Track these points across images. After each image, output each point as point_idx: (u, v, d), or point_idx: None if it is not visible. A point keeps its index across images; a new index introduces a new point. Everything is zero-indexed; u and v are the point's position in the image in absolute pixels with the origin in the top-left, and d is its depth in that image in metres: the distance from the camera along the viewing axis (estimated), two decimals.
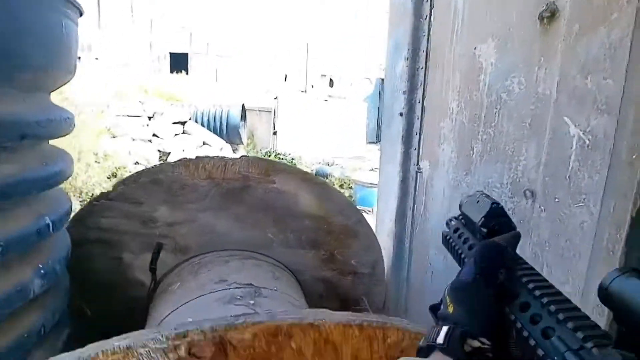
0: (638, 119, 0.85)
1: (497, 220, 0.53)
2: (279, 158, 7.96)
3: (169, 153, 6.10)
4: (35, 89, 0.99)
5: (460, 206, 0.58)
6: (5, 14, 0.81)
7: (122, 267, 1.55)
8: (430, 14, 1.58)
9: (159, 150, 6.12)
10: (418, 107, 1.67)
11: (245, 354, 0.65)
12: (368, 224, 1.71)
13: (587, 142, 0.93)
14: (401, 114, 1.73)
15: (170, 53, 17.04)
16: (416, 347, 0.47)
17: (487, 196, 0.55)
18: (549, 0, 1.05)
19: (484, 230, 0.52)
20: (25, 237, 0.96)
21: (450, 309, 0.47)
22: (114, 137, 6.11)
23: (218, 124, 7.42)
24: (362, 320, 0.72)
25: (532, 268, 0.47)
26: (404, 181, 1.77)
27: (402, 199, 1.79)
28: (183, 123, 7.03)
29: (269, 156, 8.06)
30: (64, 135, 1.11)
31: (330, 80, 23.61)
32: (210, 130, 7.29)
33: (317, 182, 1.59)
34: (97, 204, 1.44)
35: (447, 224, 0.61)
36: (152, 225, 1.51)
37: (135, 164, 5.62)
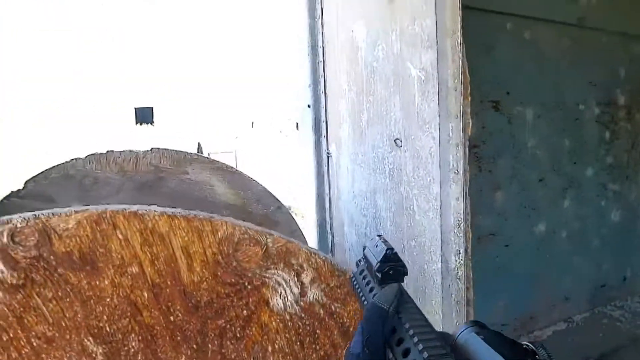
0: (453, 49, 0.99)
1: (390, 265, 0.56)
2: None
3: None
4: None
5: (363, 249, 0.62)
6: None
7: None
8: (321, 5, 1.76)
9: None
10: (322, 97, 1.81)
11: (72, 244, 0.68)
12: (288, 212, 1.77)
13: (422, 77, 1.06)
14: (309, 106, 1.86)
15: (135, 108, 17.28)
16: (252, 243, 0.47)
17: (385, 242, 0.59)
18: None
19: (379, 275, 0.56)
20: None
21: None
22: None
23: None
24: (188, 213, 0.77)
25: (414, 309, 0.49)
26: (318, 168, 1.86)
27: (319, 187, 1.87)
28: None
29: None
30: None
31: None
32: None
33: (230, 170, 1.66)
34: (7, 202, 1.45)
35: (356, 264, 0.64)
36: None
37: None
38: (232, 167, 1.66)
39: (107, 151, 1.51)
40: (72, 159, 1.49)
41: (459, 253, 1.02)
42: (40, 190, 1.47)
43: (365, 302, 0.57)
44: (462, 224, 1.01)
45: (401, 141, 1.22)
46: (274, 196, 1.81)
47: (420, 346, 0.39)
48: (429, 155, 1.06)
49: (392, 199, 1.30)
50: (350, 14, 1.52)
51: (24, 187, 1.46)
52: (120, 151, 1.52)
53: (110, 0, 1.71)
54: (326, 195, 1.85)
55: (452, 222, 1.02)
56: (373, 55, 1.37)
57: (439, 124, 1.02)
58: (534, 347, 0.32)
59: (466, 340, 0.39)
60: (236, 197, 1.69)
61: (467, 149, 1.01)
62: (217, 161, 1.64)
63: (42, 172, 1.51)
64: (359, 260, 0.63)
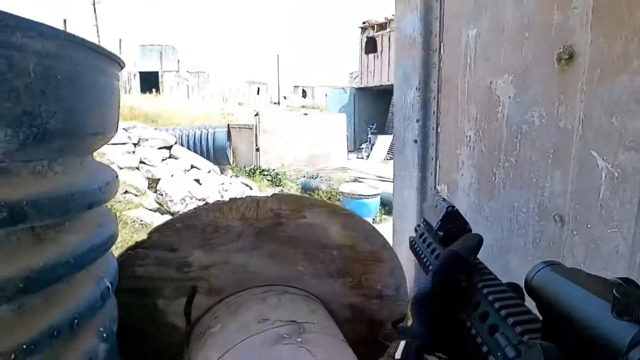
0: None
1: (453, 223, 0.52)
2: (263, 174, 7.95)
3: (159, 179, 5.98)
4: (88, 153, 1.00)
5: (422, 212, 0.60)
6: (68, 86, 0.83)
7: (157, 314, 1.54)
8: (440, 47, 1.67)
9: (148, 178, 6.00)
10: (432, 134, 1.76)
11: None
12: (391, 248, 1.78)
13: (616, 174, 1.03)
14: (415, 141, 1.81)
15: (140, 72, 16.74)
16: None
17: (444, 200, 0.55)
18: (565, 43, 1.15)
19: (440, 233, 0.53)
20: (93, 304, 0.97)
21: (410, 322, 0.47)
22: None
23: (205, 146, 7.35)
24: None
25: (490, 272, 0.47)
26: (422, 205, 1.84)
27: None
28: (169, 147, 6.91)
29: (254, 173, 8.03)
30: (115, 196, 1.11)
31: (303, 91, 23.77)
32: (197, 152, 7.21)
33: (344, 213, 1.64)
34: (132, 253, 1.44)
35: (415, 229, 0.61)
36: (187, 269, 1.51)
37: (125, 193, 5.49)
38: (346, 210, 1.64)
39: (230, 199, 1.48)
40: (195, 209, 1.46)
41: None
42: (164, 240, 1.45)
43: (430, 266, 0.55)
44: None
45: (562, 219, 1.20)
46: (380, 235, 1.81)
47: (511, 320, 0.37)
48: (614, 252, 1.05)
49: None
50: (489, 61, 1.44)
51: (148, 238, 1.44)
52: (243, 198, 1.48)
53: None
54: None
55: None
56: (523, 118, 1.32)
57: (632, 227, 1.00)
58: (620, 281, 0.29)
59: (544, 280, 0.35)
60: (347, 237, 1.68)
61: None
62: (333, 204, 1.62)
63: (165, 223, 1.48)
64: (418, 225, 0.60)
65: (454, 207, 0.53)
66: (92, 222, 0.99)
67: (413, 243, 0.60)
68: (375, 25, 18.78)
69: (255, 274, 1.61)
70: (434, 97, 1.73)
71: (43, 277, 0.80)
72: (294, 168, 8.93)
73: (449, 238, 0.51)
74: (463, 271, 0.45)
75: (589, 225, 1.12)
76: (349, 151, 11.36)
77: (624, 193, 1.02)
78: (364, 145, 16.88)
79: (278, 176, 8.13)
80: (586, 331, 0.29)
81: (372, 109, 19.14)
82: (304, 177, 8.61)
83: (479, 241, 0.47)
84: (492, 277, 0.45)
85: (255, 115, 8.85)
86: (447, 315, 0.44)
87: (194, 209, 1.45)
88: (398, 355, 0.44)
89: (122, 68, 1.13)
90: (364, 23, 19.22)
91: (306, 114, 9.51)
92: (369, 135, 17.37)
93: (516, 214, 1.38)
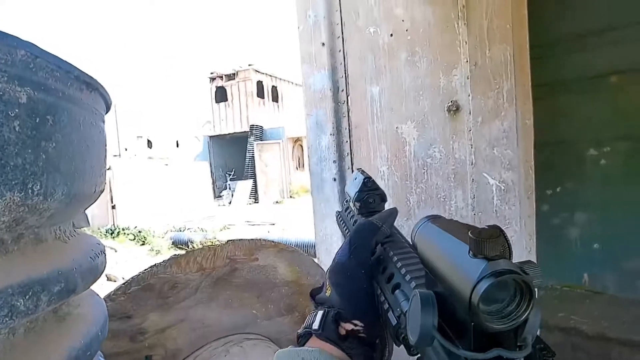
0: (527, 172, 1.44)
1: (370, 193, 0.54)
2: (125, 233, 7.08)
3: None
4: (82, 214, 0.91)
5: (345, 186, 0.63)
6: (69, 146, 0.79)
7: None
8: (347, 100, 2.02)
9: None
10: (348, 172, 2.06)
11: None
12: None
13: (503, 187, 1.48)
14: (334, 179, 2.08)
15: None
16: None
17: (363, 172, 0.56)
18: (452, 99, 1.61)
19: (358, 204, 0.54)
20: None
21: (328, 292, 0.47)
22: None
23: None
24: None
25: (401, 240, 0.48)
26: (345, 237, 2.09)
27: None
28: None
29: (112, 233, 7.07)
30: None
31: (148, 141, 22.19)
32: None
33: (289, 250, 1.75)
34: None
35: (342, 204, 0.63)
36: (141, 338, 1.37)
37: None
38: (291, 247, 1.77)
39: (187, 251, 1.44)
40: (153, 266, 1.37)
41: None
42: (117, 308, 1.31)
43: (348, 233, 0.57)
44: None
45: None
46: (318, 266, 1.97)
47: (408, 277, 0.39)
48: (511, 241, 1.49)
49: None
50: (393, 110, 1.84)
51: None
52: (200, 249, 1.47)
53: None
54: None
55: None
56: (427, 153, 1.73)
57: (519, 221, 1.45)
58: (486, 227, 0.29)
59: (423, 231, 0.37)
60: (292, 273, 1.79)
61: (534, 237, 1.47)
62: (279, 244, 1.72)
63: (119, 287, 1.33)
64: (345, 201, 0.61)
65: (370, 178, 0.54)
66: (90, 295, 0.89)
67: (338, 216, 0.61)
68: (224, 76, 19.32)
69: (212, 327, 1.56)
70: (347, 141, 2.05)
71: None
72: (158, 222, 8.21)
73: (367, 207, 0.53)
74: (374, 237, 0.46)
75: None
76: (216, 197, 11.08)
77: (510, 200, 1.47)
78: (224, 192, 16.67)
79: (141, 233, 7.35)
80: (450, 272, 0.30)
81: (228, 155, 19.22)
82: (171, 230, 8.01)
83: (391, 212, 0.49)
84: (402, 241, 0.47)
85: (109, 169, 7.91)
86: (363, 283, 0.45)
87: (150, 267, 1.35)
88: (316, 326, 0.44)
89: (108, 108, 0.90)
90: (212, 73, 19.54)
91: (166, 165, 8.99)
92: (228, 182, 17.30)
93: None
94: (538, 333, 0.31)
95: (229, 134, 18.84)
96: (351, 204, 0.57)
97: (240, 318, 1.63)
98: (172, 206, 8.81)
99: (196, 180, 9.60)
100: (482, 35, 1.51)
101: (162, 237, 7.24)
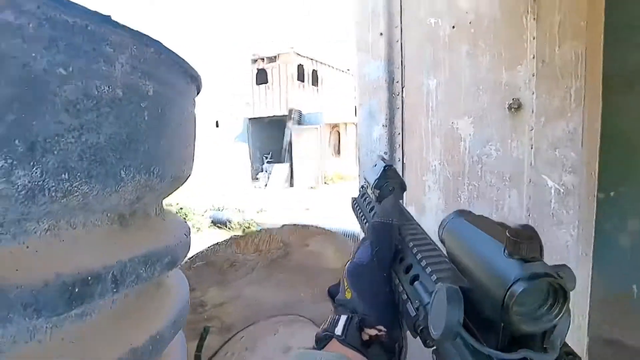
0: (589, 176, 1.40)
1: (390, 180, 0.53)
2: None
3: None
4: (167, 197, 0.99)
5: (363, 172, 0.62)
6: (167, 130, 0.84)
7: None
8: (402, 92, 2.01)
9: None
10: (399, 164, 2.07)
11: None
12: None
13: (562, 190, 1.45)
14: None
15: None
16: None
17: (383, 159, 0.55)
18: (514, 97, 1.57)
19: (377, 191, 0.53)
20: None
21: (348, 295, 0.46)
22: None
23: None
24: None
25: (415, 227, 0.48)
26: (360, 224, 2.12)
27: None
28: None
29: None
30: None
31: None
32: None
33: (339, 238, 1.81)
34: None
35: (359, 190, 0.60)
36: (201, 310, 1.48)
37: None
38: (340, 235, 1.81)
39: (245, 233, 1.52)
40: (213, 245, 1.47)
41: None
42: None
43: (366, 223, 0.55)
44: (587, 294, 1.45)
45: None
46: None
47: (429, 269, 0.38)
48: (565, 246, 1.46)
49: None
50: (450, 105, 1.82)
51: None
52: (257, 231, 1.55)
53: None
54: None
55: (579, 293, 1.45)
56: (482, 151, 1.71)
57: (577, 226, 1.42)
58: (519, 226, 0.30)
59: (452, 226, 0.36)
60: (339, 260, 1.84)
61: (592, 242, 1.44)
62: (329, 231, 1.77)
63: (187, 261, 1.43)
64: (361, 187, 0.60)
65: (391, 165, 0.53)
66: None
67: (354, 203, 0.60)
68: (265, 58, 19.48)
69: (264, 305, 1.65)
70: (399, 133, 2.06)
71: None
72: (199, 200, 8.56)
73: (384, 195, 0.52)
74: (393, 238, 0.45)
75: (544, 230, 1.52)
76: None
77: (568, 203, 1.44)
78: (260, 175, 17.01)
79: (182, 209, 7.70)
80: (483, 270, 0.30)
81: (266, 138, 19.51)
82: (210, 209, 8.33)
83: (394, 203, 0.49)
84: (419, 231, 0.46)
85: None
86: (385, 287, 0.44)
87: (212, 245, 1.45)
88: (339, 331, 0.44)
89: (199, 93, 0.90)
90: (253, 55, 19.75)
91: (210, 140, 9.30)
92: (265, 164, 17.62)
93: None
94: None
95: (268, 116, 19.09)
96: (369, 191, 0.56)
97: (289, 300, 1.71)
98: (212, 185, 9.13)
99: (235, 162, 9.86)
100: (552, 31, 1.46)
101: (202, 215, 7.55)
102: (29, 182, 0.43)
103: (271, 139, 19.62)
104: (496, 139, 1.66)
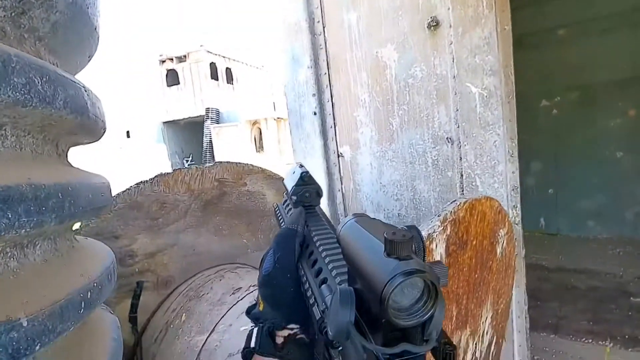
0: (507, 77, 1.49)
1: (306, 188, 0.54)
2: None
3: None
4: None
5: (283, 179, 0.60)
6: None
7: None
8: (324, 31, 1.98)
9: None
10: (328, 105, 2.04)
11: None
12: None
13: (485, 94, 1.53)
14: (315, 113, 2.06)
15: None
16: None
17: (301, 166, 0.56)
18: (432, 15, 1.62)
19: (294, 198, 0.53)
20: None
21: (261, 307, 0.47)
22: None
23: None
24: None
25: (327, 232, 0.48)
26: (328, 168, 2.08)
27: (329, 184, 2.10)
28: None
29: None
30: None
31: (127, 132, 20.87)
32: None
33: (277, 178, 1.72)
34: None
35: (283, 195, 0.61)
36: (131, 261, 1.29)
37: None
38: (278, 175, 1.73)
39: (174, 170, 1.37)
40: (139, 183, 1.29)
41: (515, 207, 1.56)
42: (105, 226, 1.22)
43: None
44: (517, 188, 1.55)
45: (451, 140, 1.66)
46: None
47: (334, 272, 0.40)
48: (494, 145, 1.54)
49: (437, 182, 1.73)
50: (372, 35, 1.83)
51: (86, 225, 1.17)
52: (187, 168, 1.40)
53: None
54: (337, 190, 2.10)
55: (510, 187, 1.55)
56: (408, 74, 1.74)
57: (501, 125, 1.51)
58: (404, 227, 0.32)
59: (346, 229, 0.37)
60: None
61: (516, 141, 1.54)
62: (267, 170, 1.67)
63: None
64: (285, 193, 0.61)
65: (307, 172, 0.54)
66: None
67: (276, 210, 0.61)
68: (174, 58, 18.40)
69: (203, 254, 1.50)
70: (325, 73, 2.02)
71: None
72: None
73: (303, 201, 0.53)
74: (295, 241, 0.46)
75: (473, 135, 1.59)
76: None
77: (492, 105, 1.52)
78: None
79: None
80: (367, 270, 0.31)
81: (184, 141, 18.50)
82: None
83: (300, 212, 0.50)
84: (330, 235, 0.47)
85: None
86: (290, 287, 0.45)
87: (136, 184, 1.26)
88: (253, 344, 0.45)
89: None
90: (160, 55, 18.54)
91: (120, 148, 8.41)
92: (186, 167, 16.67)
93: (415, 147, 1.78)
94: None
95: (184, 118, 18.12)
96: (289, 200, 0.57)
97: (231, 247, 1.58)
98: None
99: (155, 165, 9.15)
100: None
101: None
102: None
103: (189, 141, 18.65)
104: (420, 59, 1.70)
